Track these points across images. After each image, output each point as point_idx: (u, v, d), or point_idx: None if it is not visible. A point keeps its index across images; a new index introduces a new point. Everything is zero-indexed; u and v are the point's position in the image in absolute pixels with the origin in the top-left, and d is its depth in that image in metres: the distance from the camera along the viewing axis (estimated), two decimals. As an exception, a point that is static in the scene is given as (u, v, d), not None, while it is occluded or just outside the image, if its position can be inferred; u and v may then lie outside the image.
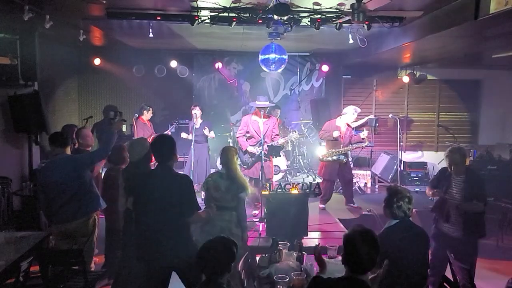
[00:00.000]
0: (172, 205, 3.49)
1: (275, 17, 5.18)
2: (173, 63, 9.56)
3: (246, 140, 6.81)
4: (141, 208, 3.61)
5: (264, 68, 7.22)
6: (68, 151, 4.54)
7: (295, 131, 7.33)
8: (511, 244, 6.35)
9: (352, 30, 6.10)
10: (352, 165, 9.03)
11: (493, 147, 9.26)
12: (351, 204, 7.49)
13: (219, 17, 5.66)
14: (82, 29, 6.60)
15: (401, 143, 9.23)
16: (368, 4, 4.62)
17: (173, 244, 3.49)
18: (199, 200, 7.93)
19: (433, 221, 4.77)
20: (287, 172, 9.11)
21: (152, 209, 3.52)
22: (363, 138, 7.19)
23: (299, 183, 5.83)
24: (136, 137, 7.37)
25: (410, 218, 3.47)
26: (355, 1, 4.71)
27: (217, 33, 7.02)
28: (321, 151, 7.58)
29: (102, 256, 5.32)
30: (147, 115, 8.01)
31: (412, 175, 9.43)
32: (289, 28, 5.82)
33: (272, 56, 6.91)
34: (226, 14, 5.58)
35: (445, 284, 3.57)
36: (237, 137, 6.99)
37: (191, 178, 7.41)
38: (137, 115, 8.05)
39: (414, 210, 6.53)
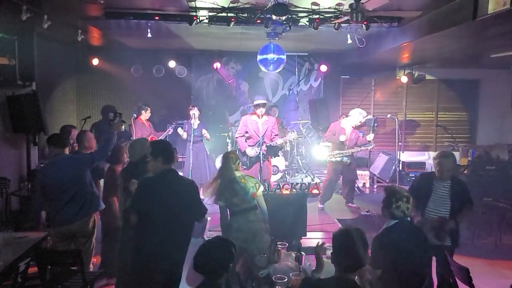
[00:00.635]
0: (183, 209, 3.47)
1: (274, 17, 5.17)
2: (172, 63, 9.55)
3: (245, 141, 6.81)
4: (148, 211, 3.52)
5: (263, 68, 7.22)
6: (67, 151, 4.53)
7: (293, 132, 7.34)
8: (509, 243, 6.35)
9: (351, 30, 6.10)
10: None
11: (492, 147, 9.26)
12: (350, 204, 7.50)
13: (217, 17, 5.66)
14: (80, 29, 6.59)
15: (400, 143, 9.24)
16: (366, 4, 4.62)
17: (181, 248, 3.48)
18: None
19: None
20: (286, 173, 9.11)
21: (162, 213, 3.46)
22: (369, 141, 7.21)
23: (298, 183, 5.82)
24: (134, 137, 7.36)
25: (409, 218, 3.47)
26: (353, 1, 4.71)
27: (216, 33, 7.01)
28: (319, 151, 7.59)
29: (99, 256, 5.32)
30: (145, 114, 7.99)
31: (410, 175, 9.45)
32: (288, 28, 5.82)
33: (270, 56, 6.91)
34: (224, 14, 5.57)
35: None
36: (236, 138, 6.98)
37: (189, 178, 7.46)
38: (135, 115, 8.03)
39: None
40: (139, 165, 4.22)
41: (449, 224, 4.07)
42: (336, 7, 5.42)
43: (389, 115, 9.17)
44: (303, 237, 5.50)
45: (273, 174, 7.81)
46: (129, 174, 4.24)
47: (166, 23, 6.18)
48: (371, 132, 8.35)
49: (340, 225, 6.51)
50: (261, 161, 6.46)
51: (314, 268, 3.16)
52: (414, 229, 3.51)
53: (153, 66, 9.60)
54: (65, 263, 4.05)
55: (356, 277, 2.64)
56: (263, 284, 3.46)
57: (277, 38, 6.73)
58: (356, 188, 8.80)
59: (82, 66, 9.58)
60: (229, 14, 5.55)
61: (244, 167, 6.74)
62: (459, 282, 3.69)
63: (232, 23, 5.59)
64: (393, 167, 9.20)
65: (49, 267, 4.07)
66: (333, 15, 5.54)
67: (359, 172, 9.29)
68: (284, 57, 7.01)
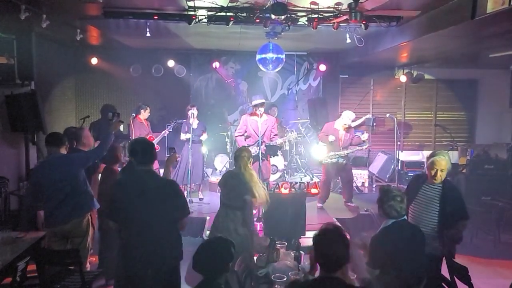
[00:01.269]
0: (163, 209, 3.32)
1: (273, 16, 5.17)
2: (171, 63, 9.55)
3: (245, 140, 6.82)
4: (126, 211, 3.40)
5: (262, 68, 7.23)
6: (63, 150, 4.52)
7: (293, 131, 7.36)
8: (508, 242, 6.36)
9: (350, 29, 6.10)
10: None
11: (490, 146, 9.28)
12: (349, 204, 7.51)
13: (216, 17, 5.66)
14: (79, 29, 6.58)
15: (399, 143, 9.25)
16: (365, 3, 4.63)
17: (162, 247, 3.35)
18: (196, 199, 8.00)
19: None
20: (285, 172, 9.11)
21: (138, 213, 3.34)
22: (363, 141, 7.22)
23: (297, 183, 5.83)
24: (133, 137, 7.36)
25: (405, 217, 3.48)
26: (352, 1, 4.72)
27: (215, 32, 7.01)
28: (318, 151, 7.59)
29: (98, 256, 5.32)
30: (144, 114, 7.97)
31: (409, 174, 9.43)
32: (287, 28, 5.82)
33: (269, 55, 6.92)
34: (224, 14, 5.57)
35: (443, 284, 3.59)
36: (236, 137, 6.99)
37: (188, 178, 7.47)
38: (134, 115, 8.01)
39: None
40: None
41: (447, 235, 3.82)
42: (335, 6, 5.42)
43: (388, 115, 9.19)
44: (302, 237, 5.49)
45: (272, 174, 7.81)
46: (128, 174, 4.24)
47: (165, 23, 6.17)
48: (370, 131, 8.38)
49: (339, 224, 6.52)
50: (260, 161, 6.46)
51: (308, 270, 3.16)
52: (411, 228, 3.51)
53: (152, 66, 9.59)
54: (64, 262, 4.05)
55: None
56: (262, 283, 3.46)
57: (276, 38, 6.73)
58: (355, 188, 8.81)
59: (81, 66, 9.57)
60: (228, 14, 5.55)
61: None
62: (458, 282, 3.70)
63: (231, 22, 5.59)
64: (392, 167, 9.21)
65: (48, 266, 4.07)
66: (332, 14, 5.54)
67: (358, 171, 9.32)
68: (283, 56, 7.02)
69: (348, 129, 7.30)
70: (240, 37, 7.68)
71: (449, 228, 3.84)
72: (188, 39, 8.21)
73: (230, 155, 9.31)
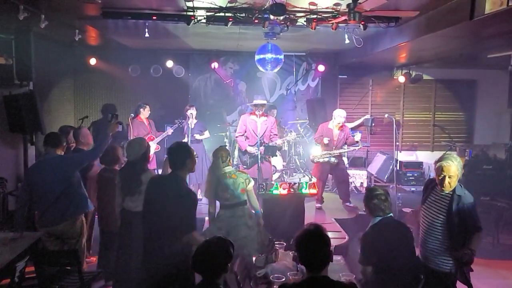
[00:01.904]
0: (172, 217, 3.36)
1: (271, 17, 5.17)
2: (169, 63, 9.54)
3: (245, 140, 6.82)
4: (145, 211, 3.56)
5: (260, 68, 7.23)
6: (60, 151, 4.50)
7: (292, 132, 7.37)
8: (507, 243, 6.37)
9: (348, 30, 6.11)
10: (348, 166, 9.05)
11: (489, 146, 9.30)
12: (348, 204, 7.51)
13: (215, 17, 5.65)
14: (77, 29, 6.58)
15: (397, 143, 9.25)
16: (364, 4, 4.63)
17: (167, 252, 3.40)
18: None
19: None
20: (284, 172, 9.12)
21: (153, 214, 3.46)
22: (357, 141, 7.23)
23: (295, 183, 5.84)
24: (131, 137, 7.35)
25: (391, 215, 3.56)
26: (351, 1, 4.72)
27: (213, 33, 7.01)
28: (316, 151, 7.60)
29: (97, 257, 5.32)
30: (144, 113, 7.95)
31: (408, 174, 9.48)
32: (285, 28, 5.82)
33: (268, 56, 6.92)
34: (222, 14, 5.57)
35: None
36: (236, 137, 6.99)
37: (188, 177, 7.46)
38: (133, 115, 8.02)
39: (409, 210, 6.59)
40: (137, 164, 4.22)
41: (454, 255, 3.42)
42: (334, 7, 5.42)
43: (386, 115, 9.19)
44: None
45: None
46: (127, 174, 4.24)
47: (163, 23, 6.17)
48: (368, 132, 8.38)
49: (338, 225, 6.53)
50: (259, 161, 6.47)
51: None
52: (397, 224, 3.61)
53: (150, 66, 9.58)
54: (62, 263, 4.04)
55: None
56: (260, 284, 3.46)
57: (274, 38, 6.73)
58: (353, 188, 8.82)
59: (80, 66, 9.56)
60: (227, 14, 5.55)
61: (245, 166, 6.75)
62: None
63: (230, 23, 5.59)
64: (391, 167, 9.21)
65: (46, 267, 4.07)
66: (330, 15, 5.54)
67: (357, 171, 9.32)
68: (281, 57, 7.02)
69: (342, 127, 7.31)
70: (239, 38, 7.68)
71: (458, 245, 3.42)
72: (187, 40, 8.21)
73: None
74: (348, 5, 4.80)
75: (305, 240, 2.55)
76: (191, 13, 5.60)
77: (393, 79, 10.55)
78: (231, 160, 4.81)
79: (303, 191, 5.62)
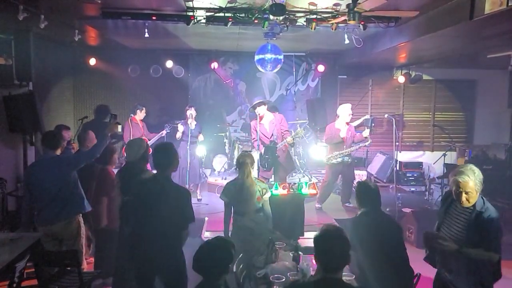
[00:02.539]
0: (168, 215, 3.43)
1: (271, 17, 5.17)
2: (169, 63, 9.54)
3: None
4: (136, 213, 3.57)
5: (260, 68, 7.23)
6: (58, 151, 4.49)
7: (298, 127, 7.40)
8: (507, 243, 6.35)
9: (348, 30, 6.11)
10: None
11: (488, 147, 9.30)
12: (347, 204, 7.51)
13: (214, 17, 5.66)
14: (77, 29, 6.58)
15: (397, 143, 9.25)
16: (364, 4, 4.63)
17: (163, 253, 3.45)
18: (194, 200, 8.00)
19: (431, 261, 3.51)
20: (283, 172, 9.10)
21: (147, 216, 3.48)
22: (365, 137, 7.22)
23: (295, 183, 5.84)
24: (130, 137, 7.33)
25: (381, 209, 3.70)
26: (351, 1, 4.72)
27: (213, 33, 7.01)
28: (317, 151, 7.59)
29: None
30: (140, 114, 7.96)
31: (407, 175, 9.48)
32: (285, 28, 5.82)
33: (268, 56, 6.92)
34: (222, 14, 5.57)
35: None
36: (253, 143, 7.00)
37: (187, 178, 7.47)
38: (132, 115, 8.02)
39: (409, 210, 6.59)
40: (135, 165, 4.22)
41: (464, 251, 3.06)
42: (334, 7, 5.42)
43: (386, 115, 9.20)
44: (300, 237, 5.50)
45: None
46: (126, 174, 4.24)
47: (163, 23, 6.17)
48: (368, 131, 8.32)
49: (337, 225, 6.52)
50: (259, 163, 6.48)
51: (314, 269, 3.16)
52: (385, 217, 3.76)
53: (150, 66, 9.58)
54: (62, 263, 4.04)
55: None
56: (260, 284, 3.46)
57: (274, 38, 6.73)
58: (353, 188, 8.81)
59: (79, 66, 9.55)
60: (226, 14, 5.55)
61: (264, 168, 6.78)
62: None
63: (230, 23, 5.59)
64: (390, 167, 9.21)
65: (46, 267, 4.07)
66: (330, 15, 5.55)
67: (356, 172, 9.29)
68: (281, 57, 7.02)
69: (348, 126, 7.31)
70: (238, 38, 7.68)
71: (477, 267, 3.11)
72: (186, 40, 8.21)
73: (229, 155, 9.31)
74: (347, 5, 4.80)
75: (323, 239, 2.51)
76: (191, 13, 5.60)
77: (393, 79, 10.55)
78: (255, 166, 4.90)
79: (303, 191, 5.62)
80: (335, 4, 5.31)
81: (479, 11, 4.36)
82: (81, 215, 4.55)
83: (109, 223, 4.73)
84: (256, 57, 7.05)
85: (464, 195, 3.08)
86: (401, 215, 6.72)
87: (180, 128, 7.64)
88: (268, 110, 7.03)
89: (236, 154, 8.28)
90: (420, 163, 9.78)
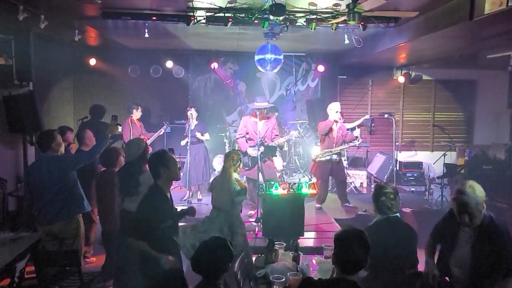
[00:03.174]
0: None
1: (271, 17, 5.18)
2: (169, 63, 9.54)
3: (246, 141, 6.83)
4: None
5: (260, 68, 7.23)
6: (55, 151, 4.48)
7: (294, 130, 7.40)
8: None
9: (348, 30, 6.11)
10: (347, 165, 9.05)
11: (488, 147, 9.30)
12: (347, 204, 7.51)
13: (214, 17, 5.66)
14: (77, 29, 6.58)
15: (397, 143, 9.26)
16: (363, 4, 4.63)
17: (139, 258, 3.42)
18: (194, 200, 7.97)
19: None
20: (283, 172, 9.12)
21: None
22: (356, 136, 7.22)
23: (295, 183, 5.84)
24: (130, 137, 7.35)
25: (398, 215, 3.55)
26: (350, 2, 4.72)
27: (213, 33, 7.01)
28: (316, 151, 7.59)
29: (99, 257, 5.31)
30: (136, 114, 7.98)
31: (407, 175, 9.49)
32: (285, 28, 5.83)
33: (268, 56, 6.92)
34: (222, 14, 5.57)
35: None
36: (237, 139, 7.02)
37: (188, 178, 7.47)
38: (132, 115, 8.04)
39: (409, 210, 6.59)
40: (134, 165, 4.22)
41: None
42: (333, 7, 5.43)
43: (386, 115, 9.22)
44: (300, 237, 5.51)
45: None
46: (125, 174, 4.25)
47: (163, 23, 6.17)
48: (368, 132, 8.36)
49: (337, 225, 6.53)
50: (259, 162, 6.48)
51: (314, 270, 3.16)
52: (402, 225, 3.59)
53: (150, 66, 9.58)
54: (62, 263, 4.05)
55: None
56: (260, 284, 3.46)
57: (274, 39, 6.73)
58: (353, 188, 8.82)
59: (79, 66, 9.55)
60: (226, 14, 5.55)
61: (246, 168, 6.76)
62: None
63: (230, 23, 5.59)
64: (390, 167, 9.22)
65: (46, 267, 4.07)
66: (330, 15, 5.55)
67: (356, 172, 9.33)
68: (281, 57, 7.02)
69: (340, 126, 7.30)
70: (238, 38, 7.68)
71: None
72: (186, 40, 8.21)
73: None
74: (347, 6, 4.80)
75: (344, 240, 2.50)
76: (191, 14, 5.60)
77: (392, 79, 10.55)
78: (241, 166, 4.93)
79: (303, 191, 5.62)
80: (335, 4, 5.31)
81: (479, 11, 4.36)
82: (81, 215, 4.56)
83: (110, 224, 4.73)
84: (256, 57, 7.05)
85: (466, 215, 2.93)
86: (401, 215, 6.71)
87: (183, 143, 7.67)
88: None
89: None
90: (420, 163, 9.78)
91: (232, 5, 5.40)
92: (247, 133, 6.85)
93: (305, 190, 5.62)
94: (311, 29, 5.62)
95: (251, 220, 6.27)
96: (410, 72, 10.18)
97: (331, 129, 7.22)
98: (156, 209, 3.29)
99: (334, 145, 7.21)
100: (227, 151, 9.36)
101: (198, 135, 7.64)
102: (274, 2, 5.00)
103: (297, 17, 5.64)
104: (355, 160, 9.84)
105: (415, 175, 9.50)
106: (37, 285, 3.98)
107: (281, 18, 5.21)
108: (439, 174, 8.82)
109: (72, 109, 9.88)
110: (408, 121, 10.76)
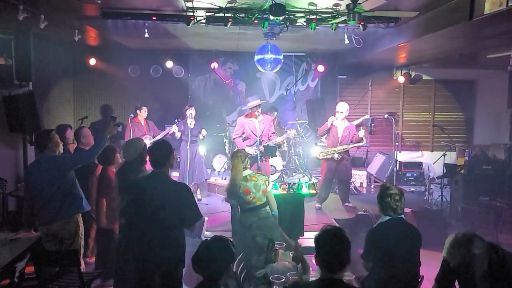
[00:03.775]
0: (169, 213, 3.41)
1: (271, 17, 5.18)
2: (169, 63, 9.54)
3: (243, 141, 6.83)
4: (135, 212, 3.55)
5: (260, 68, 7.22)
6: (53, 151, 4.48)
7: (292, 129, 7.39)
8: (506, 242, 6.37)
9: (348, 30, 6.11)
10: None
11: (488, 147, 9.30)
12: (347, 204, 7.51)
13: (214, 17, 5.66)
14: (77, 29, 6.58)
15: (397, 143, 9.27)
16: (363, 4, 4.63)
17: (164, 252, 3.44)
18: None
19: None
20: (283, 172, 9.11)
21: (146, 215, 3.46)
22: (361, 137, 7.21)
23: (295, 183, 5.84)
24: (130, 137, 7.35)
25: (403, 216, 3.52)
26: (350, 2, 4.72)
27: (213, 33, 7.01)
28: (318, 149, 7.60)
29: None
30: (141, 114, 8.02)
31: (407, 175, 9.49)
32: (285, 28, 5.82)
33: (267, 56, 6.92)
34: (222, 14, 5.57)
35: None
36: (234, 139, 7.01)
37: (187, 178, 7.47)
38: (133, 116, 8.06)
39: (409, 210, 6.59)
40: (133, 164, 4.22)
41: None
42: (333, 7, 5.43)
43: (386, 115, 9.23)
44: (300, 237, 5.50)
45: (270, 174, 7.82)
46: (124, 174, 4.25)
47: (163, 23, 6.17)
48: (368, 132, 8.34)
49: (337, 225, 6.52)
50: (259, 161, 6.48)
51: (300, 271, 3.16)
52: (407, 227, 3.57)
53: (150, 66, 9.58)
54: (61, 263, 4.04)
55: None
56: (260, 284, 3.46)
57: (274, 38, 6.73)
58: (353, 188, 8.81)
59: (79, 66, 9.55)
60: (226, 14, 5.55)
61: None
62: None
63: (230, 23, 5.59)
64: (390, 167, 9.22)
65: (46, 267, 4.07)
66: (330, 15, 5.55)
67: (356, 172, 9.31)
68: (281, 57, 7.02)
69: (348, 126, 7.28)
70: (238, 38, 7.68)
71: None
72: (186, 40, 8.21)
73: (229, 155, 9.30)
74: (347, 6, 4.81)
75: (324, 240, 2.50)
76: (191, 14, 5.60)
77: (392, 79, 10.56)
78: (248, 162, 4.85)
79: (303, 191, 5.62)
80: (335, 4, 5.31)
81: (479, 11, 4.36)
82: (80, 215, 4.56)
83: (109, 223, 4.73)
84: (256, 57, 7.05)
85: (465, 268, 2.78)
86: (401, 215, 6.72)
87: (174, 128, 7.66)
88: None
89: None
90: (420, 163, 9.78)
91: (232, 5, 5.39)
92: (243, 133, 6.85)
93: (305, 190, 5.62)
94: (311, 29, 5.63)
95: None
96: (410, 72, 10.18)
97: (332, 128, 7.21)
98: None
99: (338, 144, 7.20)
100: (226, 151, 9.40)
101: (202, 134, 7.66)
102: (274, 2, 5.00)
103: (297, 17, 5.63)
104: (355, 160, 9.82)
105: (415, 175, 9.50)
106: (37, 285, 3.97)
107: (281, 18, 5.21)
108: (439, 174, 8.83)
109: (72, 109, 9.88)
110: (408, 121, 10.77)
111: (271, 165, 8.20)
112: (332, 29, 5.72)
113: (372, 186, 9.43)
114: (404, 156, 10.29)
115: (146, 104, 8.17)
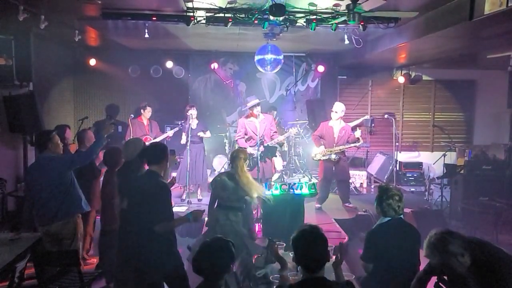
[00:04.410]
0: (146, 211, 3.49)
1: (271, 17, 5.18)
2: (169, 64, 9.54)
3: (246, 142, 6.83)
4: (126, 210, 3.68)
5: (260, 69, 7.23)
6: (52, 151, 4.48)
7: (293, 128, 7.40)
8: (506, 243, 6.36)
9: (348, 30, 6.12)
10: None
11: (488, 147, 9.30)
12: (347, 204, 7.51)
13: (214, 18, 5.66)
14: (77, 29, 6.58)
15: (397, 144, 9.27)
16: (363, 4, 4.64)
17: (149, 250, 3.48)
18: (194, 200, 7.97)
19: None
20: (283, 173, 9.12)
21: (132, 213, 3.58)
22: (358, 138, 7.21)
23: (295, 183, 5.84)
24: (130, 137, 7.35)
25: (402, 216, 3.52)
26: (350, 2, 4.73)
27: (213, 33, 7.02)
28: (315, 150, 7.60)
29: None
30: (145, 113, 8.02)
31: (407, 175, 9.49)
32: (285, 29, 5.83)
33: (268, 56, 6.93)
34: (222, 15, 5.58)
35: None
36: (236, 140, 7.01)
37: (187, 178, 7.47)
38: (133, 115, 8.07)
39: (409, 210, 6.59)
40: (132, 164, 4.22)
41: None
42: (333, 7, 5.43)
43: (386, 115, 9.23)
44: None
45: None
46: (124, 174, 4.25)
47: (163, 24, 6.18)
48: (368, 132, 8.34)
49: (337, 225, 6.53)
50: (259, 161, 6.48)
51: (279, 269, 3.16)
52: (407, 227, 3.57)
53: (150, 67, 9.58)
54: (61, 263, 4.04)
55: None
56: (260, 284, 3.46)
57: (274, 39, 6.74)
58: (353, 188, 8.81)
59: (79, 67, 9.55)
60: (226, 15, 5.56)
61: (248, 168, 6.74)
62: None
63: (230, 23, 5.59)
64: (390, 167, 9.23)
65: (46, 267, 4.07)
66: (330, 15, 5.55)
67: (356, 172, 9.32)
68: (281, 57, 7.03)
69: (344, 127, 7.28)
70: (238, 38, 7.69)
71: None
72: (186, 40, 8.21)
73: (229, 156, 9.29)
74: (347, 6, 4.81)
75: (301, 240, 2.52)
76: (191, 14, 5.61)
77: (392, 79, 10.56)
78: (246, 165, 4.83)
79: (303, 191, 5.62)
80: (335, 5, 5.31)
81: (479, 12, 4.37)
82: (80, 215, 4.56)
83: (110, 224, 4.73)
84: (256, 58, 7.05)
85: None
86: (400, 215, 6.72)
87: (170, 132, 7.77)
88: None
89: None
90: (420, 163, 9.79)
91: (232, 5, 5.40)
92: (246, 134, 6.85)
93: (305, 190, 5.62)
94: (311, 29, 5.63)
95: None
96: (410, 72, 10.18)
97: (328, 129, 7.21)
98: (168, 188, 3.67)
99: (334, 144, 7.21)
100: (227, 151, 9.40)
101: (201, 134, 7.66)
102: (274, 3, 5.00)
103: (297, 17, 5.64)
104: (355, 160, 9.83)
105: (415, 175, 9.50)
106: (37, 285, 3.97)
107: (281, 18, 5.21)
108: (439, 175, 8.82)
109: (72, 109, 9.88)
110: (408, 121, 10.77)
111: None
112: (332, 29, 5.72)
113: (372, 186, 9.43)
114: (404, 156, 10.29)
115: (149, 105, 8.17)
